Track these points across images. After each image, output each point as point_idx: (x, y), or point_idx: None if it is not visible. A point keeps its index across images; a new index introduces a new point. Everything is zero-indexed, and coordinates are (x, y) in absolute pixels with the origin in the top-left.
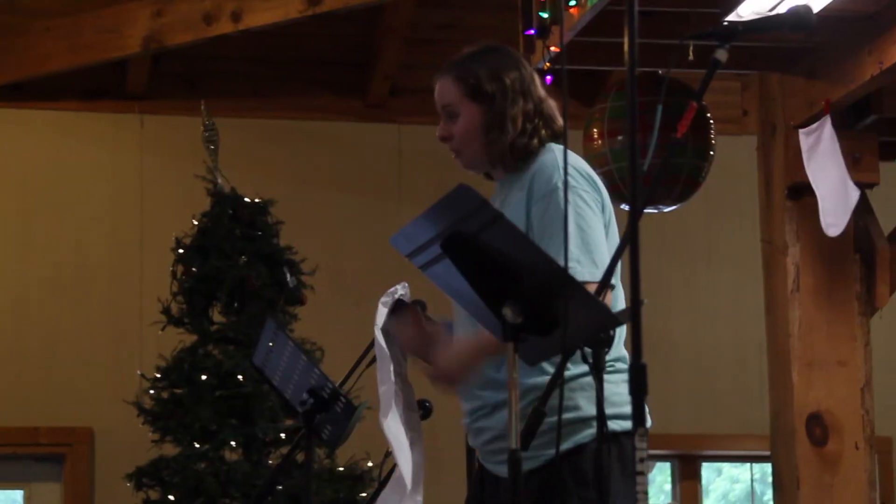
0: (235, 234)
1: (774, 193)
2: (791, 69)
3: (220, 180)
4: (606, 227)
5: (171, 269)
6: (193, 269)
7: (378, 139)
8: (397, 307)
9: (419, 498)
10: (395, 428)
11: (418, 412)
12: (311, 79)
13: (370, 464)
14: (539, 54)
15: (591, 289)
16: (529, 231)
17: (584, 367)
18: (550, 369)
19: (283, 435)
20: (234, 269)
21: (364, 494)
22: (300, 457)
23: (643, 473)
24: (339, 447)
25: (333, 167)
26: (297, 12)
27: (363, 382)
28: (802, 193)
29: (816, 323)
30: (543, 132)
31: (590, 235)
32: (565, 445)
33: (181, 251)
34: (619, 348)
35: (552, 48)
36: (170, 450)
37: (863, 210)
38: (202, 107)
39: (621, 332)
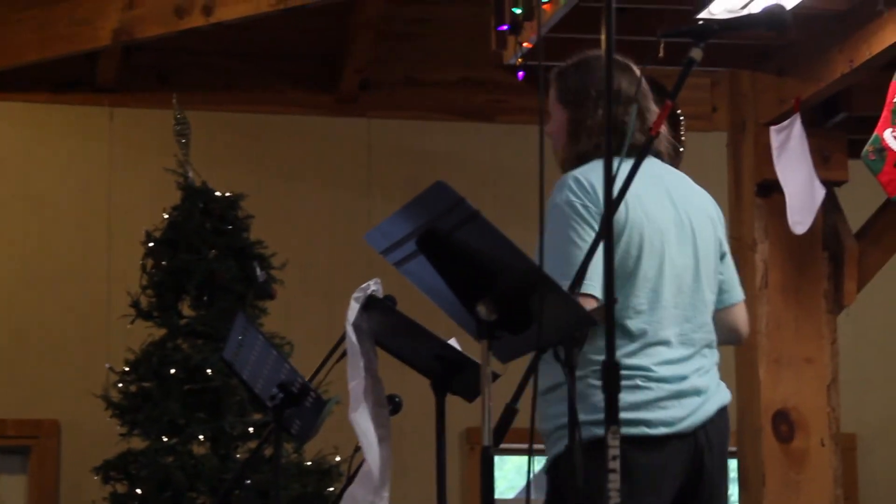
0: (206, 227)
1: (744, 190)
2: (762, 67)
3: (190, 174)
4: (619, 234)
5: (140, 262)
6: (163, 262)
7: (348, 134)
8: (369, 304)
9: (386, 494)
10: (363, 423)
11: (388, 408)
12: (281, 73)
13: (338, 458)
14: (511, 50)
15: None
16: None
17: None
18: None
19: (251, 429)
20: (204, 262)
21: (332, 489)
22: (268, 451)
23: (615, 471)
24: (308, 442)
25: (304, 161)
26: (268, 6)
27: (333, 377)
28: (771, 191)
29: (784, 320)
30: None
31: (561, 247)
32: (555, 450)
33: (151, 245)
34: (624, 358)
35: (525, 44)
36: (137, 443)
37: (831, 208)
38: (174, 100)
39: (626, 345)
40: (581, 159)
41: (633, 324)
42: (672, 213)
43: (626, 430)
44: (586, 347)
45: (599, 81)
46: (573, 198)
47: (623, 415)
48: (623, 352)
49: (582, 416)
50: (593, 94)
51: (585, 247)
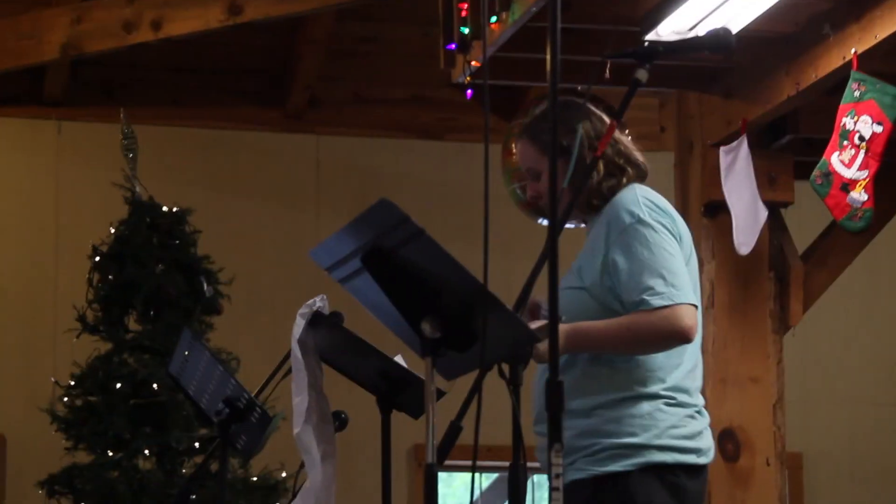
0: (153, 242)
1: (691, 210)
2: (709, 88)
3: (138, 188)
4: (687, 258)
5: (87, 276)
6: (110, 276)
7: (297, 149)
8: (315, 320)
9: None
10: (307, 440)
11: (333, 424)
12: (230, 88)
13: (284, 474)
14: (459, 69)
15: (675, 311)
16: (610, 267)
17: (639, 392)
18: (642, 389)
19: (197, 444)
20: (151, 277)
21: None
22: (214, 466)
23: (558, 489)
24: (254, 457)
25: (252, 177)
26: (217, 22)
27: (279, 393)
28: (718, 211)
29: (730, 339)
30: (630, 170)
31: (666, 261)
32: (609, 468)
33: (98, 259)
34: (683, 380)
35: (473, 63)
36: (83, 458)
37: (777, 228)
38: (121, 114)
39: (684, 363)
40: (604, 193)
41: (696, 339)
42: None
43: (683, 458)
44: (653, 364)
45: (581, 119)
46: (655, 214)
47: (682, 443)
48: (681, 371)
49: (644, 439)
50: (581, 133)
51: (679, 257)
